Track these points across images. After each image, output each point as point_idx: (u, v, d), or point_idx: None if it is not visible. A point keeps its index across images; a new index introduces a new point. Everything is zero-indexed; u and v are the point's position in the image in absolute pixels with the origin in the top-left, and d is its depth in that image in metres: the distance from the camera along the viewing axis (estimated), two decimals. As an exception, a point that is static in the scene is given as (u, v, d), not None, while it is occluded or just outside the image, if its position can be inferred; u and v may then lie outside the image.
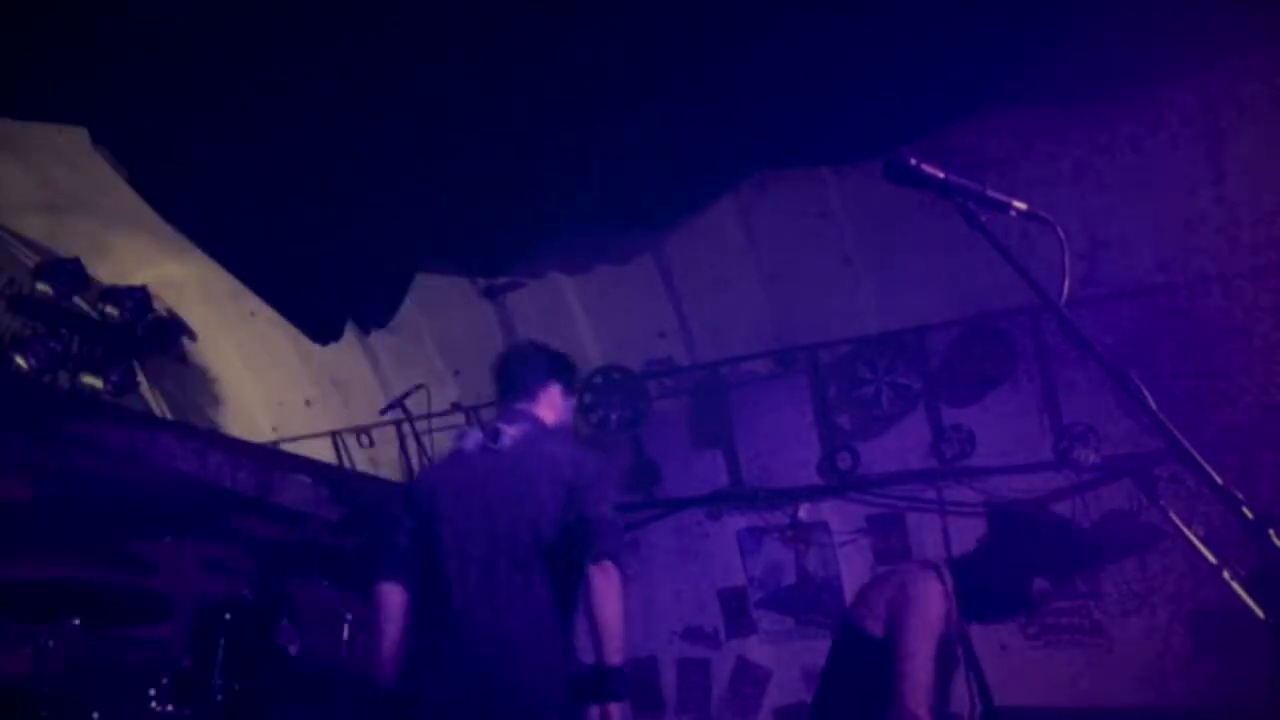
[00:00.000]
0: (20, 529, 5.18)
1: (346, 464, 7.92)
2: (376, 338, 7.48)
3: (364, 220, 5.87)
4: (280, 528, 6.64)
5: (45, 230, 7.09)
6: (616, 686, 3.29)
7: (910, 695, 3.11)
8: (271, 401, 8.10)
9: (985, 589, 3.44)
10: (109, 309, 7.27)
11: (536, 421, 3.72)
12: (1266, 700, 4.80)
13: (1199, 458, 1.76)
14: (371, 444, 7.87)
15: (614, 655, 3.28)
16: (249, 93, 5.00)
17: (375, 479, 7.78)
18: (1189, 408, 5.42)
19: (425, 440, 7.32)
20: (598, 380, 7.04)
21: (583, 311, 7.13)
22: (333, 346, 7.08)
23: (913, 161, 2.07)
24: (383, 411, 7.19)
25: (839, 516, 6.52)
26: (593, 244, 6.71)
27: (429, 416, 7.29)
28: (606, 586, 3.32)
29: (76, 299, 7.37)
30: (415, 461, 7.53)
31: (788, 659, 6.56)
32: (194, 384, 8.18)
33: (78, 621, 3.96)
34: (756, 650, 6.68)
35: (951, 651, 3.38)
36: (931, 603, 3.31)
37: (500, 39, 4.83)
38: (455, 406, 7.44)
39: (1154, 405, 1.83)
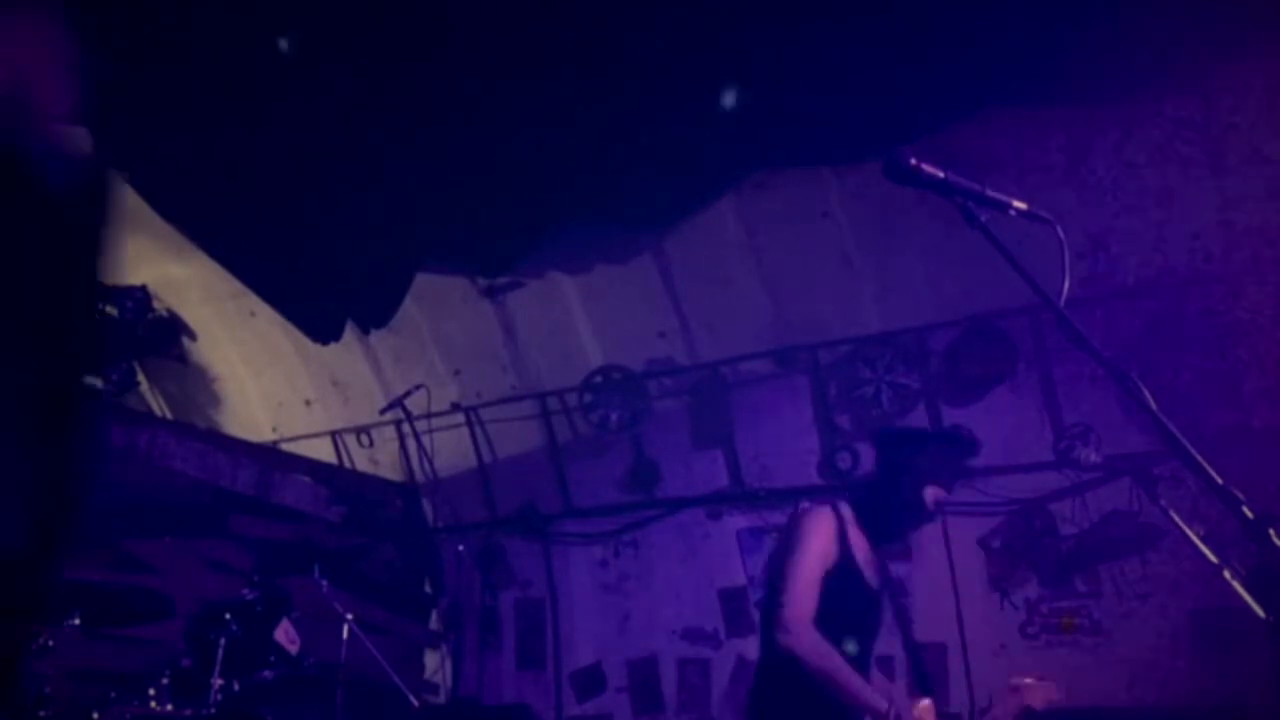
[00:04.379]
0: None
1: (346, 464, 7.93)
2: (376, 338, 7.48)
3: (364, 220, 5.87)
4: (280, 528, 6.66)
5: (45, 230, 7.08)
6: None
7: (788, 609, 3.27)
8: (271, 401, 8.10)
9: (884, 511, 3.59)
10: (109, 309, 7.27)
11: None
12: (1266, 700, 4.80)
13: (1199, 458, 1.76)
14: (371, 444, 7.88)
15: None
16: (249, 93, 5.00)
17: (375, 479, 7.80)
18: (1189, 407, 5.42)
19: (425, 440, 7.34)
20: (598, 380, 7.04)
21: (583, 311, 7.13)
22: (333, 346, 7.08)
23: (913, 161, 2.07)
24: (383, 411, 7.21)
25: (839, 516, 6.52)
26: (593, 244, 6.71)
27: (429, 416, 7.30)
28: None
29: (76, 299, 7.37)
30: (415, 461, 7.54)
31: (788, 659, 6.55)
32: (194, 384, 8.19)
33: (78, 621, 3.95)
34: (756, 650, 6.67)
35: (854, 580, 3.47)
36: (809, 531, 3.45)
37: (500, 39, 4.83)
38: (455, 406, 7.45)
39: (1154, 405, 1.83)
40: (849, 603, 3.42)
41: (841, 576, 3.41)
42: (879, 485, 3.64)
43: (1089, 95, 5.37)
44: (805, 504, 3.71)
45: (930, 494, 3.55)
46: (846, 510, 3.56)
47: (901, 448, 3.66)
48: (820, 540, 3.42)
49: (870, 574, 3.52)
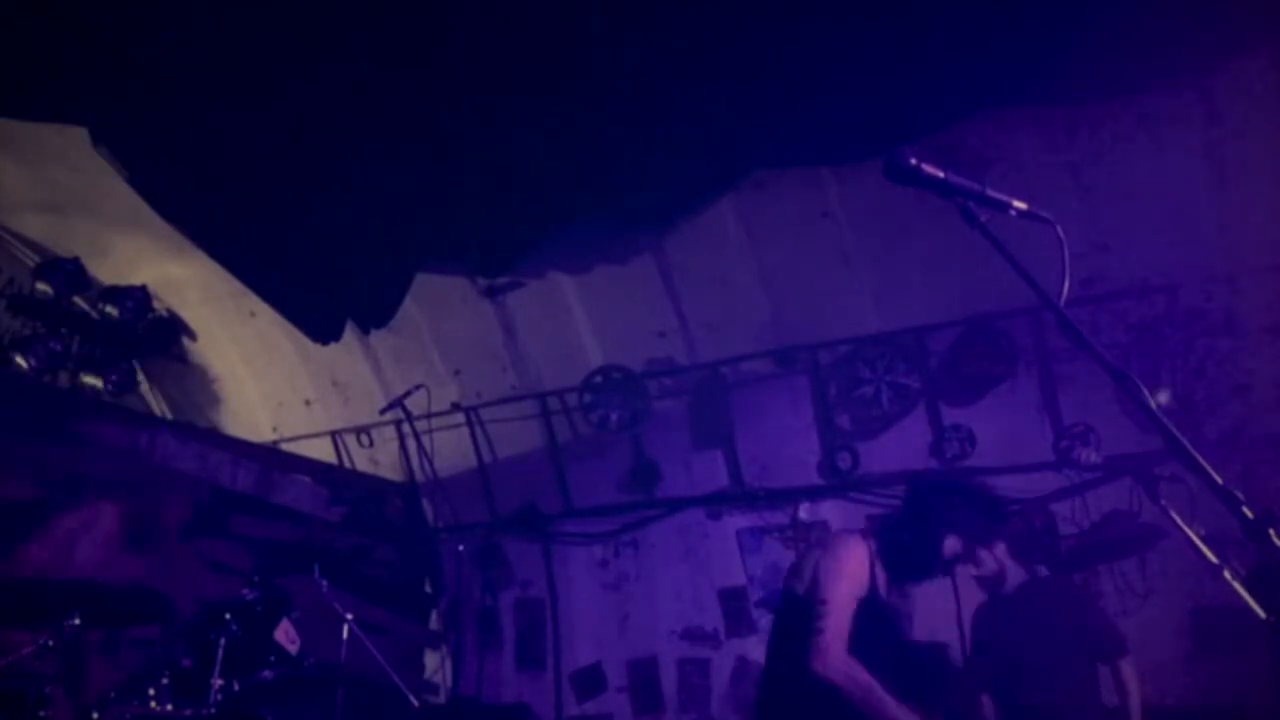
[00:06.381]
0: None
1: (346, 464, 7.92)
2: (376, 338, 7.48)
3: (364, 220, 5.87)
4: (280, 528, 6.65)
5: (45, 230, 7.09)
6: None
7: (827, 635, 3.35)
8: (271, 401, 8.10)
9: (904, 552, 3.68)
10: (109, 309, 7.27)
11: None
12: (1266, 700, 4.80)
13: (1199, 457, 1.75)
14: (371, 444, 7.88)
15: None
16: (249, 93, 5.00)
17: (375, 479, 7.79)
18: (1189, 407, 5.42)
19: (425, 440, 7.33)
20: (598, 380, 7.04)
21: (583, 311, 7.13)
22: (333, 346, 7.07)
23: (913, 161, 2.07)
24: (383, 411, 7.20)
25: (839, 516, 6.52)
26: (593, 244, 6.70)
27: (429, 416, 7.30)
28: None
29: (76, 299, 7.38)
30: (415, 461, 7.54)
31: (788, 659, 6.56)
32: (194, 384, 8.18)
33: (78, 621, 3.95)
34: (756, 650, 6.68)
35: (885, 611, 3.61)
36: (848, 558, 3.55)
37: (500, 39, 4.83)
38: (455, 406, 7.45)
39: (1154, 405, 1.83)
40: (873, 630, 3.51)
41: (869, 605, 3.53)
42: (904, 526, 3.74)
43: (1089, 95, 5.37)
44: (838, 530, 3.81)
45: (949, 544, 3.68)
46: (873, 544, 3.68)
47: (932, 495, 3.78)
48: (857, 567, 3.55)
49: (891, 605, 3.66)
